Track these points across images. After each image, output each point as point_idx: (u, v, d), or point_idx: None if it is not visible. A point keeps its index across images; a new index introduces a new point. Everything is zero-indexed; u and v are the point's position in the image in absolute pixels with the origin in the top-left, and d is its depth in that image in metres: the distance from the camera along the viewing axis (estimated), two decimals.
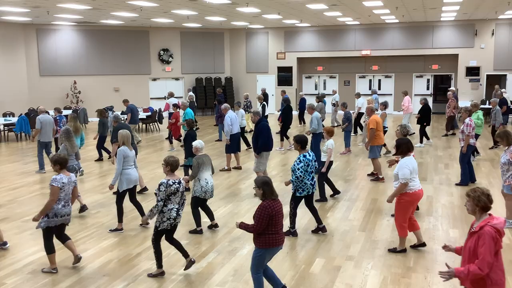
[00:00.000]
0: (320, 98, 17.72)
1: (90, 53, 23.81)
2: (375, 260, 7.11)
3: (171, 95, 19.49)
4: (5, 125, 18.74)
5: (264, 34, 26.69)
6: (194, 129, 11.07)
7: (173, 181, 6.39)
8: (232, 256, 7.35)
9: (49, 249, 6.74)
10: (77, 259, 6.92)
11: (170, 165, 6.48)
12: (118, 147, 8.48)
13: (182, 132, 15.09)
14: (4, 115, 19.87)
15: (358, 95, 19.17)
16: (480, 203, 4.34)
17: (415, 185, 7.11)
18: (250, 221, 8.92)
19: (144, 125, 21.28)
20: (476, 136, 13.37)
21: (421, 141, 15.92)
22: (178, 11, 18.08)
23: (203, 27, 25.40)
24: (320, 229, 8.16)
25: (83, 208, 9.37)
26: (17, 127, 18.18)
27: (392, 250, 7.34)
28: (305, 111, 16.73)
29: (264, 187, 5.52)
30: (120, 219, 8.43)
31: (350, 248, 7.61)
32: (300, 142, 7.80)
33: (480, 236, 4.22)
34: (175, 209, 6.43)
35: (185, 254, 6.67)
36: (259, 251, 5.54)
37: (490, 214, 4.37)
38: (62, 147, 9.27)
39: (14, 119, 18.90)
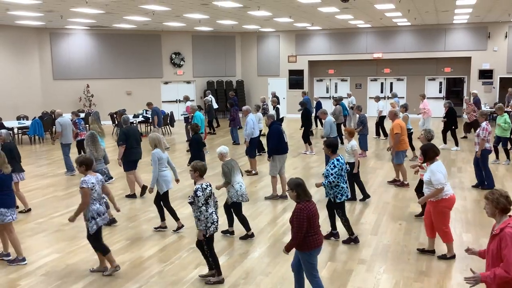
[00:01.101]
0: (338, 101, 17.62)
1: (103, 56, 24.00)
2: (387, 264, 7.07)
3: (186, 98, 19.51)
4: (19, 128, 18.94)
5: (275, 38, 26.72)
6: (200, 133, 11.07)
7: (206, 184, 6.35)
8: (244, 259, 7.35)
9: (104, 250, 6.79)
10: (104, 269, 6.93)
11: (199, 170, 6.41)
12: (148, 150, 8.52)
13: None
14: (18, 118, 20.09)
15: (378, 98, 18.87)
16: (499, 205, 4.28)
17: (449, 190, 7.07)
18: (262, 223, 8.95)
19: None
20: (505, 140, 13.28)
21: (456, 144, 15.97)
22: (190, 15, 18.17)
23: (215, 30, 25.49)
24: (333, 234, 8.07)
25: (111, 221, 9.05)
26: (31, 130, 18.39)
27: (442, 257, 7.19)
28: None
29: (298, 189, 5.46)
30: (176, 218, 8.55)
31: (362, 251, 7.58)
32: (332, 146, 7.69)
33: (501, 238, 4.14)
34: (215, 212, 6.40)
35: (210, 265, 6.61)
36: (306, 255, 5.50)
37: (510, 216, 4.30)
38: (89, 152, 9.22)
39: (28, 122, 19.10)
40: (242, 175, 8.30)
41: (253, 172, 12.92)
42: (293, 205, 9.89)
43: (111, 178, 12.14)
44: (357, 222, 8.96)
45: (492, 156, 13.39)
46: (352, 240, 7.87)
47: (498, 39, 23.11)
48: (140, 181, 10.90)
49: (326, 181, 7.53)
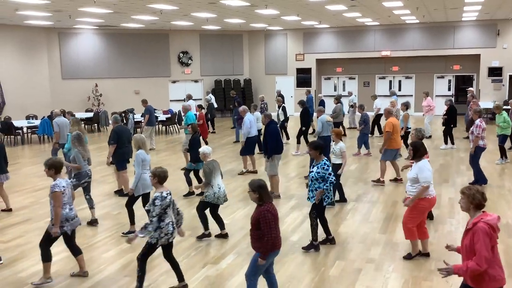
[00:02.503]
0: (338, 99, 17.39)
1: (111, 56, 24.09)
2: (396, 263, 7.04)
3: (189, 97, 19.53)
4: (28, 127, 19.07)
5: (283, 36, 26.68)
6: (198, 133, 11.00)
7: (167, 193, 6.03)
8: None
9: (47, 257, 6.51)
10: (83, 273, 6.77)
11: (158, 177, 6.03)
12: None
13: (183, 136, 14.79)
14: (27, 117, 20.22)
15: (375, 97, 18.95)
16: (474, 200, 4.38)
17: (433, 190, 6.99)
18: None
19: (164, 127, 21.44)
20: (505, 137, 13.14)
21: (445, 142, 15.72)
22: (197, 13, 18.19)
23: (222, 29, 25.50)
24: (329, 240, 7.79)
25: (93, 222, 9.06)
26: (40, 129, 18.50)
27: (407, 257, 7.15)
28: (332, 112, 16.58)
29: (261, 190, 5.33)
30: (132, 221, 8.40)
31: (370, 250, 7.54)
32: (319, 148, 7.40)
33: (474, 232, 4.28)
34: (171, 223, 6.07)
35: (180, 277, 6.33)
36: (258, 257, 5.41)
37: (484, 212, 4.41)
38: (75, 152, 8.96)
39: (37, 122, 19.22)
40: (222, 177, 8.18)
41: (244, 171, 12.85)
42: (303, 205, 9.85)
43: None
44: (366, 221, 8.93)
45: (497, 156, 13.37)
46: (313, 246, 7.53)
47: (507, 36, 22.92)
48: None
49: (328, 184, 7.23)
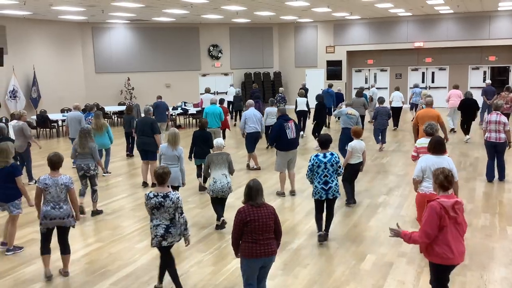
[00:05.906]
0: (360, 93, 16.61)
1: (143, 50, 24.39)
2: None
3: (207, 91, 19.46)
4: (63, 120, 19.48)
5: (313, 28, 26.48)
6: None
7: (155, 194, 5.72)
8: (282, 250, 7.34)
9: (41, 250, 6.56)
10: (48, 276, 6.61)
11: (155, 176, 5.83)
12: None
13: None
14: (62, 111, 20.68)
15: (397, 88, 19.13)
16: (437, 180, 4.80)
17: (426, 188, 6.58)
18: (300, 215, 8.91)
19: (194, 120, 21.62)
20: None
21: (465, 134, 15.43)
22: (227, 7, 18.22)
23: (252, 22, 25.49)
24: (321, 236, 7.60)
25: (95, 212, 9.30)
26: None
27: None
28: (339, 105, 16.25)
29: (245, 190, 5.16)
30: None
31: (402, 244, 7.46)
32: (319, 141, 7.72)
33: (427, 208, 4.71)
34: (163, 226, 5.76)
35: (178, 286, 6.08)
36: (241, 261, 5.25)
37: (451, 194, 4.79)
38: (74, 145, 9.22)
39: None
40: (232, 173, 8.25)
41: (255, 167, 12.58)
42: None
43: (108, 173, 12.58)
44: (397, 215, 8.84)
45: None
46: (317, 236, 7.58)
47: None
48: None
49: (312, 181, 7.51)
